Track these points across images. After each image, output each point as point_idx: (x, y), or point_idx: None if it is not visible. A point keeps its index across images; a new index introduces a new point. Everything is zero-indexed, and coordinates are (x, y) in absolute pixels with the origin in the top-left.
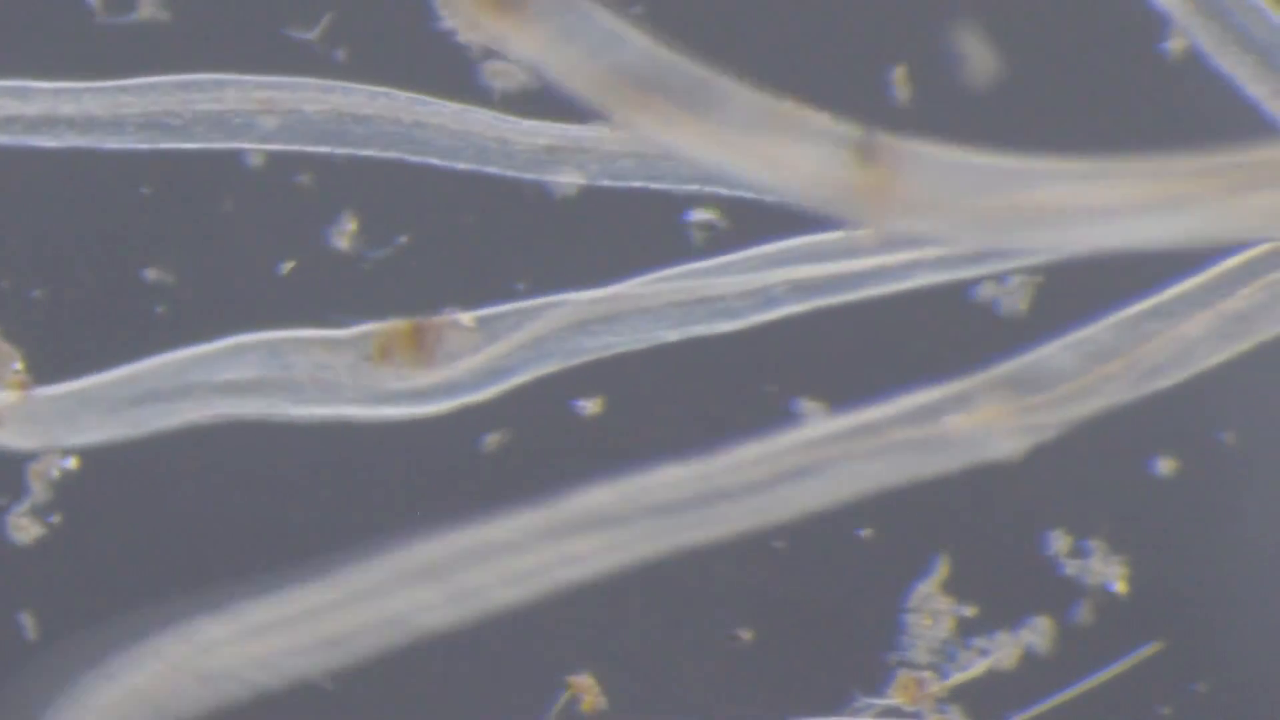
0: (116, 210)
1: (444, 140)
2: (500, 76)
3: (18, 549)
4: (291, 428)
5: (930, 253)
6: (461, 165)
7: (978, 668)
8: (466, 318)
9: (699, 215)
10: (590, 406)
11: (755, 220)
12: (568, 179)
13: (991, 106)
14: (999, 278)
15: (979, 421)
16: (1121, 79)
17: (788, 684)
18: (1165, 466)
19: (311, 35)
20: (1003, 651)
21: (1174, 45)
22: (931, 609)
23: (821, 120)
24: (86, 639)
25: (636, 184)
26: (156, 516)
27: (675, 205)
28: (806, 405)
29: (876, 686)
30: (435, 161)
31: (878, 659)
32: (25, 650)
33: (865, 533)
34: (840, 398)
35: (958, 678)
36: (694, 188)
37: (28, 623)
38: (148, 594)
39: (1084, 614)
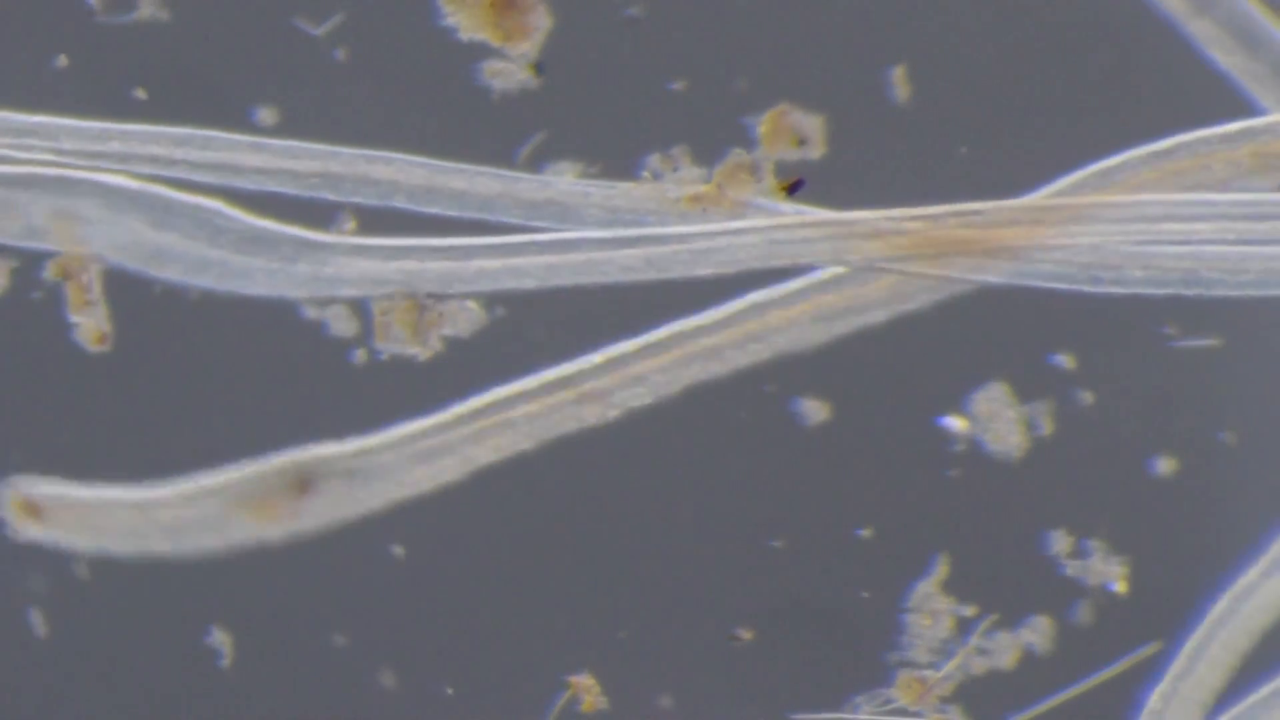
0: None
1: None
2: (500, 76)
3: (21, 549)
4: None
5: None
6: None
7: (970, 645)
8: (471, 302)
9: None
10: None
11: None
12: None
13: (989, 106)
14: None
15: None
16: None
17: (788, 684)
18: (1165, 466)
19: (317, 32)
20: (1000, 644)
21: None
22: (931, 609)
23: None
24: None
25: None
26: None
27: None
28: (807, 405)
29: (877, 686)
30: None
31: (878, 659)
32: (34, 648)
33: (865, 533)
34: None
35: (951, 664)
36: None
37: (37, 621)
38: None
39: (1084, 614)
